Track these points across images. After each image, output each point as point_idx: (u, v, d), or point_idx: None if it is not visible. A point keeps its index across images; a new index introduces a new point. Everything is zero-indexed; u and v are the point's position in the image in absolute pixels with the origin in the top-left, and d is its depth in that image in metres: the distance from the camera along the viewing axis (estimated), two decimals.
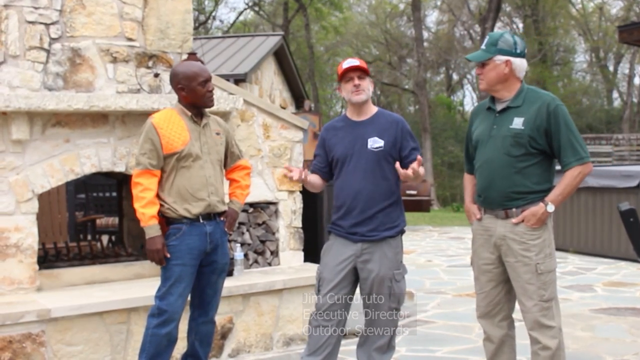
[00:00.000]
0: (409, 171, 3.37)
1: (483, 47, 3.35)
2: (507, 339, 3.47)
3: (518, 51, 3.31)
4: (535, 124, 3.23)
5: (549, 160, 3.32)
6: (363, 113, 3.60)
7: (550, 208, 3.23)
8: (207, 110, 3.78)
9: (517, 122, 3.26)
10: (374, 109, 3.63)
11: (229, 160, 3.90)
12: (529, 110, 3.26)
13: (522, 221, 3.26)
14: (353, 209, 3.52)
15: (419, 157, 3.41)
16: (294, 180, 3.49)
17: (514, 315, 3.52)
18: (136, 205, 3.54)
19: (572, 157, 3.22)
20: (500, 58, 3.29)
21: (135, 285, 4.55)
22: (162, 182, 3.61)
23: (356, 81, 3.51)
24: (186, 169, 3.60)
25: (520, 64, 3.32)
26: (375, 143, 3.51)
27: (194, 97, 3.64)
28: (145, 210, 3.51)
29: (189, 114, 3.67)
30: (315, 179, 3.69)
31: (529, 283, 3.26)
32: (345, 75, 3.53)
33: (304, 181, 3.53)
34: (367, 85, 3.55)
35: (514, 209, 3.29)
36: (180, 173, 3.59)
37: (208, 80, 3.67)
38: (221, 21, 35.68)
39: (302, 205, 5.42)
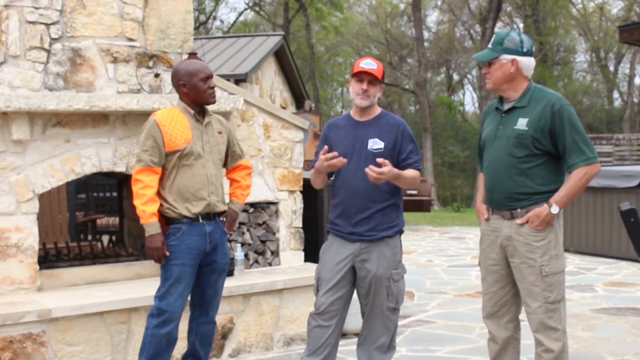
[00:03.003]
0: (374, 171, 3.28)
1: (489, 46, 3.32)
2: (511, 341, 3.43)
3: (525, 50, 3.26)
4: (539, 124, 3.18)
5: (556, 161, 3.26)
6: (366, 114, 3.60)
7: (555, 209, 3.18)
8: (208, 109, 3.78)
9: (522, 123, 3.21)
10: (377, 110, 3.63)
11: (230, 159, 3.90)
12: (534, 110, 3.21)
13: (527, 222, 3.23)
14: (351, 208, 3.52)
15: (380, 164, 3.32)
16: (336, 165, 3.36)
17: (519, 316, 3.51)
18: (136, 202, 3.53)
19: (577, 157, 3.16)
20: (506, 57, 3.24)
21: (136, 285, 4.56)
22: (163, 180, 3.60)
23: (365, 85, 3.50)
24: (187, 168, 3.59)
25: (528, 63, 3.27)
26: (375, 144, 3.51)
27: (195, 93, 3.64)
28: (146, 207, 3.50)
29: (192, 112, 3.66)
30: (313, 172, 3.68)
31: (533, 285, 3.22)
32: (358, 75, 3.51)
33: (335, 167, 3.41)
34: (376, 92, 3.54)
35: (519, 210, 3.25)
36: (181, 171, 3.59)
37: (209, 77, 3.67)
38: (221, 21, 35.72)
39: (302, 205, 5.42)
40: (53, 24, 4.41)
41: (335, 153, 3.38)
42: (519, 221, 3.24)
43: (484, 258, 3.45)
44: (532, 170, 3.22)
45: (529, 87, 3.30)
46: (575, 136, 3.16)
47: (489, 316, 3.46)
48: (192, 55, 4.67)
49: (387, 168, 3.31)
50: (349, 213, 3.52)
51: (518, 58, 3.25)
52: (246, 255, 5.16)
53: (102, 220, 7.55)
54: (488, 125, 3.43)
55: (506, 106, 3.33)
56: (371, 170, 3.29)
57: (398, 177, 3.44)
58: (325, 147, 3.45)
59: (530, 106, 3.24)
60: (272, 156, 5.25)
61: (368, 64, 3.50)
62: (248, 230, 5.19)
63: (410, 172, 3.53)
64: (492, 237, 3.37)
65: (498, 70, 3.27)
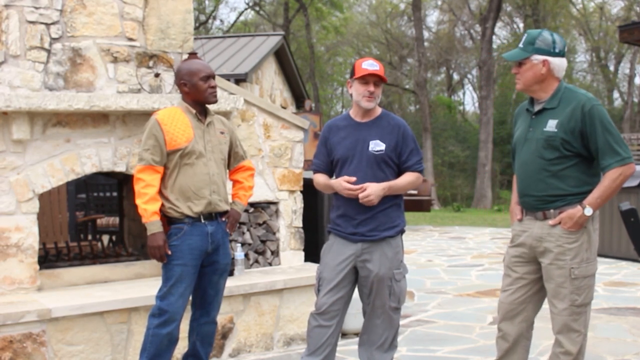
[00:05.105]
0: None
1: (520, 45, 3.22)
2: (522, 340, 3.38)
3: (557, 50, 3.17)
4: (569, 126, 3.10)
5: (588, 163, 3.16)
6: (367, 114, 3.60)
7: (588, 211, 3.08)
8: (210, 109, 3.78)
9: (551, 125, 3.13)
10: (377, 111, 3.63)
11: (233, 160, 3.90)
12: (564, 111, 3.13)
13: (560, 223, 3.15)
14: (353, 209, 3.52)
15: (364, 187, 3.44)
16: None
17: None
18: (138, 201, 3.53)
19: (611, 158, 3.05)
20: (537, 58, 3.16)
21: (136, 285, 4.55)
22: (164, 179, 3.60)
23: (371, 88, 3.49)
24: (189, 167, 3.59)
25: (560, 64, 3.18)
26: (377, 146, 3.51)
27: (196, 92, 3.65)
28: (147, 206, 3.50)
29: (194, 111, 3.67)
30: (324, 180, 3.68)
31: (561, 286, 3.16)
32: (363, 77, 3.49)
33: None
34: (380, 93, 3.55)
35: (551, 210, 3.17)
36: (183, 170, 3.59)
37: (210, 76, 3.68)
38: (222, 21, 35.77)
39: (302, 205, 5.42)
40: (53, 23, 4.41)
41: (360, 187, 3.43)
42: (551, 222, 3.17)
43: (509, 257, 3.39)
44: (564, 172, 3.14)
45: (559, 87, 3.21)
46: (607, 137, 3.07)
47: (504, 314, 3.38)
48: (192, 55, 4.67)
49: (369, 189, 3.40)
50: (351, 213, 3.52)
51: (550, 59, 3.16)
52: (246, 255, 5.16)
53: (102, 220, 7.55)
54: (519, 127, 3.36)
55: (536, 107, 3.25)
56: (361, 199, 3.41)
57: (390, 189, 3.47)
58: (353, 179, 3.47)
59: (560, 107, 3.16)
60: (272, 156, 5.25)
61: (372, 65, 3.49)
62: (248, 230, 5.19)
63: (405, 178, 3.54)
64: (523, 237, 3.31)
65: (529, 71, 3.19)
